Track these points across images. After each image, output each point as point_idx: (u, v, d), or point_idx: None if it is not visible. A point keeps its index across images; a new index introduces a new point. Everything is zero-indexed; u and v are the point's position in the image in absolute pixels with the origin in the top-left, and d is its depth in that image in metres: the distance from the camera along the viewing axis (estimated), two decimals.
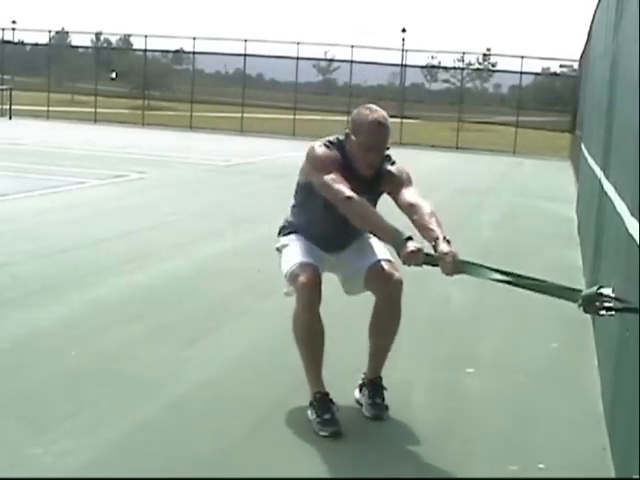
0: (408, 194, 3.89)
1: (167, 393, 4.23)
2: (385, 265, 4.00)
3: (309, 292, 3.84)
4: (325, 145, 3.93)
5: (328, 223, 3.97)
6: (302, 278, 3.84)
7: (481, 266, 3.49)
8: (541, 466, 3.63)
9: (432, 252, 3.55)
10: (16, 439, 3.56)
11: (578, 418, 4.28)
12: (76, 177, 12.97)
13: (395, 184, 3.95)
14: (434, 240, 3.57)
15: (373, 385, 4.10)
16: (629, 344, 3.24)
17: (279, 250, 4.12)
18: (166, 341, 5.06)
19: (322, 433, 3.77)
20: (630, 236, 3.39)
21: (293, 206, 4.19)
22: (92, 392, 4.17)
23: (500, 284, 3.47)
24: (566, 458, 3.78)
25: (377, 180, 3.96)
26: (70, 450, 3.48)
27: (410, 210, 3.81)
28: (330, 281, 4.16)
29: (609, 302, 2.94)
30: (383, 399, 4.07)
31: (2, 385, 4.21)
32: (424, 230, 3.66)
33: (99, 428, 3.73)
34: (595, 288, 2.98)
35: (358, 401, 4.14)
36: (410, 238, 3.56)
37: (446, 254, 3.49)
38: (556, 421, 4.21)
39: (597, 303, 2.95)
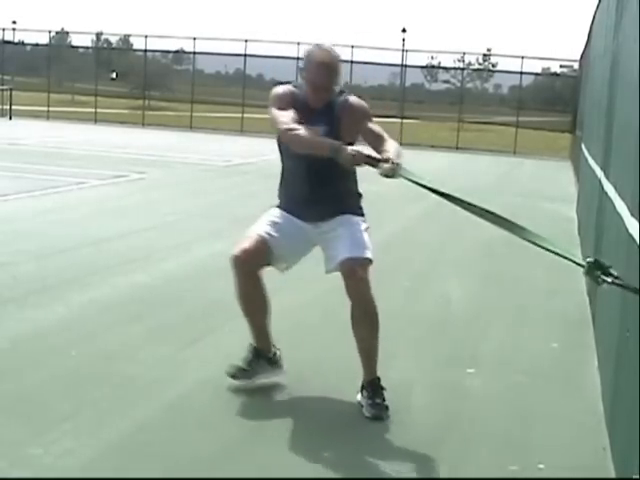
0: (375, 127, 4.14)
1: (167, 393, 4.23)
2: (352, 263, 4.05)
3: (238, 262, 4.11)
4: (282, 84, 4.27)
5: (299, 175, 4.17)
6: (236, 249, 4.12)
7: (427, 187, 3.62)
8: (541, 466, 3.63)
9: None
10: (16, 439, 3.56)
11: (578, 418, 4.28)
12: (76, 177, 12.97)
13: (357, 115, 4.16)
14: (384, 152, 3.87)
15: (372, 386, 4.12)
16: (629, 344, 3.24)
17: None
18: (166, 341, 5.06)
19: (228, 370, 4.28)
20: (630, 236, 3.39)
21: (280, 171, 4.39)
22: (92, 392, 4.17)
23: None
24: (566, 458, 3.78)
25: (332, 111, 4.13)
26: (70, 450, 3.48)
27: (376, 141, 4.05)
28: (326, 282, 4.16)
29: (612, 277, 2.91)
30: (383, 399, 4.08)
31: (2, 385, 4.21)
32: (381, 151, 3.92)
33: (99, 428, 3.73)
34: (606, 264, 2.95)
35: (360, 403, 4.14)
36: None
37: (389, 158, 3.79)
38: (556, 421, 4.21)
39: (601, 274, 2.93)
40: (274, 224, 4.19)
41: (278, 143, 4.25)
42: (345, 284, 4.08)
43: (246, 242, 4.13)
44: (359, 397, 4.15)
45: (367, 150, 3.90)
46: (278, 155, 4.29)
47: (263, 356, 4.37)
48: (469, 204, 3.39)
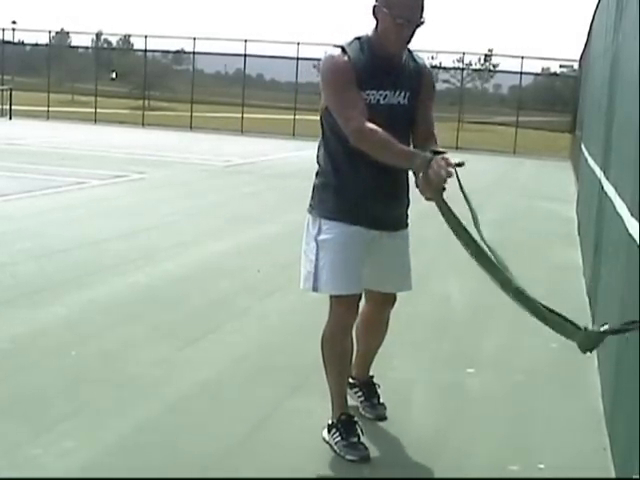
0: (431, 116, 3.53)
1: (167, 393, 4.23)
2: (394, 295, 3.86)
3: (349, 317, 3.63)
4: (341, 48, 3.40)
5: (362, 158, 3.37)
6: (344, 308, 3.58)
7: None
8: (541, 466, 3.63)
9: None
10: (16, 439, 3.56)
11: (578, 418, 4.28)
12: (76, 177, 12.97)
13: (428, 92, 3.54)
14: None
15: (367, 386, 4.06)
16: (629, 345, 3.23)
17: (317, 242, 3.55)
18: (166, 341, 5.06)
19: (349, 457, 3.53)
20: (630, 236, 3.39)
21: (324, 154, 3.57)
22: (92, 392, 4.17)
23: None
24: (566, 458, 3.78)
25: (412, 71, 3.49)
26: (70, 450, 3.48)
27: (427, 134, 3.48)
28: None
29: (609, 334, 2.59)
30: (379, 397, 4.05)
31: (2, 385, 4.21)
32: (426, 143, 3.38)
33: (99, 428, 3.73)
34: (595, 332, 2.58)
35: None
36: (437, 153, 3.19)
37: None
38: (556, 421, 4.21)
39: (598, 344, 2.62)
40: (356, 263, 3.52)
41: (327, 121, 3.50)
42: (376, 308, 3.86)
43: (352, 293, 3.55)
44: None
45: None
46: (327, 138, 3.55)
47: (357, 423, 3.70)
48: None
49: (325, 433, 3.71)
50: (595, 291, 5.70)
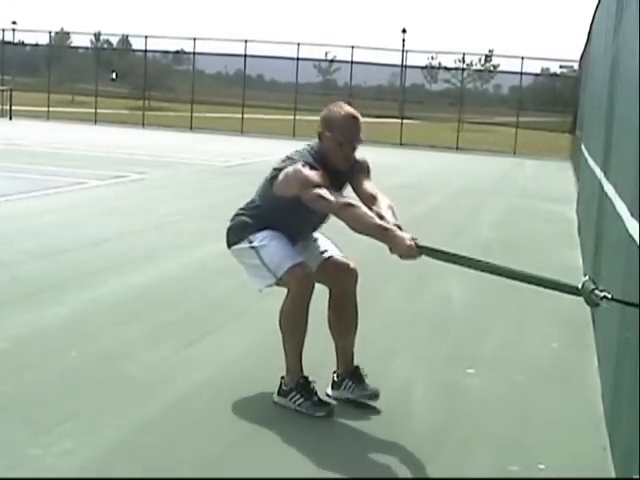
0: (370, 186, 4.07)
1: (167, 393, 4.23)
2: (341, 258, 4.19)
3: (307, 288, 3.95)
4: (307, 164, 3.93)
5: (303, 223, 4.13)
6: (301, 275, 3.94)
7: (442, 252, 3.69)
8: (541, 466, 3.63)
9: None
10: (16, 439, 3.56)
11: (578, 418, 4.28)
12: (76, 177, 12.98)
13: (359, 173, 4.11)
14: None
15: (354, 375, 4.17)
16: (629, 344, 3.24)
17: (254, 248, 4.06)
18: (166, 341, 5.06)
19: (319, 414, 3.95)
20: (630, 237, 3.40)
21: (257, 206, 4.22)
22: (92, 392, 4.17)
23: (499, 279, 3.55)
24: (566, 458, 3.78)
25: (349, 171, 4.09)
26: (70, 450, 3.48)
27: (371, 201, 3.97)
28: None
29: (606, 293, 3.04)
30: (365, 380, 4.17)
31: (2, 385, 4.21)
32: (380, 217, 3.87)
33: (99, 428, 3.73)
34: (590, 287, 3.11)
35: (336, 398, 4.18)
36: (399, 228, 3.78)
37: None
38: (556, 421, 4.21)
39: (593, 297, 3.09)
40: (296, 250, 4.07)
41: (286, 202, 4.00)
42: (336, 275, 4.13)
43: (304, 267, 3.96)
44: (331, 391, 4.21)
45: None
46: (270, 202, 4.12)
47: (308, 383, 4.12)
48: (493, 267, 3.49)
49: (279, 398, 4.07)
50: None
